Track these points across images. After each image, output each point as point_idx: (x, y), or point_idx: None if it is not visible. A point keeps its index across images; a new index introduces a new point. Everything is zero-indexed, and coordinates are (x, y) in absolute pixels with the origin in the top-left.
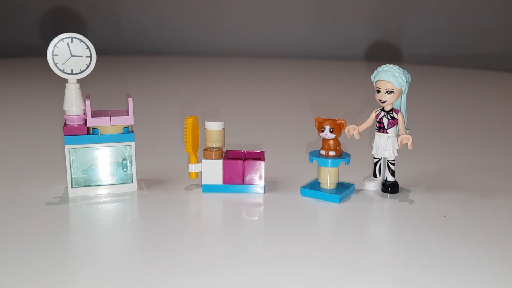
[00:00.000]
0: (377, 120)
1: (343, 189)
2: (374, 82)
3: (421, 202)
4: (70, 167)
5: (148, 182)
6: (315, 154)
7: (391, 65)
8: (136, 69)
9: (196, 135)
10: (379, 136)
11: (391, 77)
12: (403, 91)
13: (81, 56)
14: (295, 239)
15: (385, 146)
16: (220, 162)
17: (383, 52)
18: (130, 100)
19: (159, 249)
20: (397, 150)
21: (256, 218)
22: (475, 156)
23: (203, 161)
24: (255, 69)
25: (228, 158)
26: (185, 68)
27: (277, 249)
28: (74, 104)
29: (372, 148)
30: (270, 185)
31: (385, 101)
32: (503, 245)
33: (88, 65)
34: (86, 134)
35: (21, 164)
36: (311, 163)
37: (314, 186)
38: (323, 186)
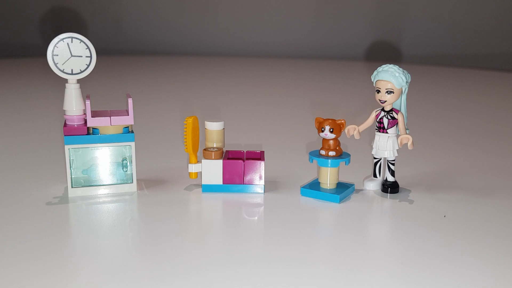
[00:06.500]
0: (377, 120)
1: (343, 189)
2: (374, 82)
3: (421, 202)
4: (70, 167)
5: (148, 182)
6: (315, 154)
7: (391, 65)
8: (136, 69)
9: (196, 135)
10: (379, 136)
11: (391, 77)
12: (403, 91)
13: (81, 56)
14: (295, 239)
15: (385, 146)
16: (220, 162)
17: (383, 52)
18: (130, 100)
19: (159, 249)
20: (397, 150)
21: (256, 218)
22: (475, 156)
23: (203, 161)
24: (255, 69)
25: (228, 158)
26: (185, 68)
27: (277, 249)
28: (74, 104)
29: (372, 148)
30: (270, 185)
31: (385, 101)
32: (503, 245)
33: (88, 65)
34: (86, 134)
35: (21, 164)
36: (311, 163)
37: (314, 186)
38: (323, 186)
